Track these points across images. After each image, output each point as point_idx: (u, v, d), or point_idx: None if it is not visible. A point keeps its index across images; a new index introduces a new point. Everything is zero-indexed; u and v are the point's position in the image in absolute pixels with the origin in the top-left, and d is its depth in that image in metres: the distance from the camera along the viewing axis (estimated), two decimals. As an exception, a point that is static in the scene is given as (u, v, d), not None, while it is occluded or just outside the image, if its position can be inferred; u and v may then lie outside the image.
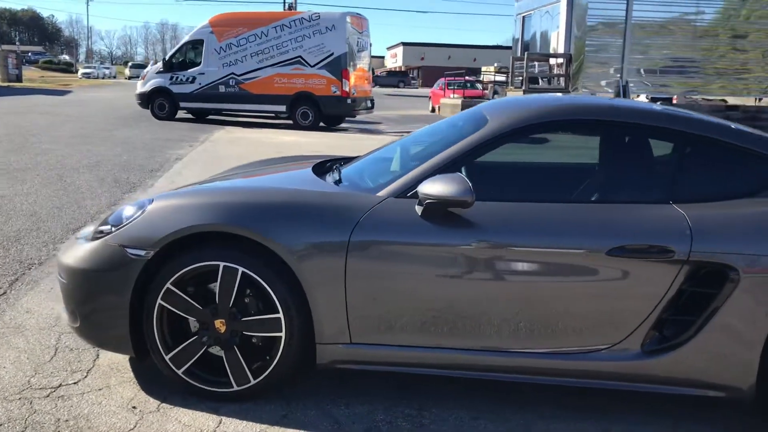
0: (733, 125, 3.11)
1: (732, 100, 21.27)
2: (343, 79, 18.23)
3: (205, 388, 3.08)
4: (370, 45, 20.32)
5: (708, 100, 20.91)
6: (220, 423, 2.90)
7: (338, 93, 18.30)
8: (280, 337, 2.99)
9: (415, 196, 2.97)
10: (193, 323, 3.09)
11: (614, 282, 2.83)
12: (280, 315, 2.97)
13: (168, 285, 3.00)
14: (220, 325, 3.03)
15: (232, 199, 3.09)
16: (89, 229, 3.45)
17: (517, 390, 3.18)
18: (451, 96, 29.60)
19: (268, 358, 3.03)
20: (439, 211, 2.87)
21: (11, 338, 3.71)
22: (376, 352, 3.00)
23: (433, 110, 32.73)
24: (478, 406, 3.07)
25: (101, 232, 3.23)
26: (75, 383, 3.22)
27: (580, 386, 2.95)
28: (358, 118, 21.21)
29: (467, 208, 2.80)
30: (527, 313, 2.88)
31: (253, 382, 3.03)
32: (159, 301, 3.02)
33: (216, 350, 3.09)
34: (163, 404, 3.04)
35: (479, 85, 33.02)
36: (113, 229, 3.16)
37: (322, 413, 2.99)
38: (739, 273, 2.72)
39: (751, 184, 2.95)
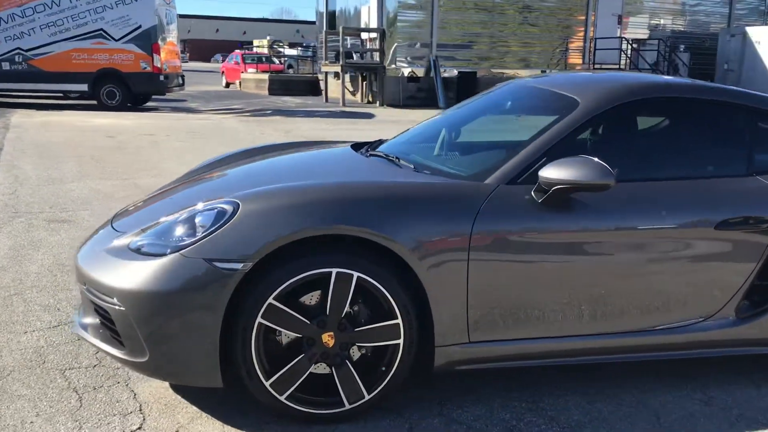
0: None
1: (522, 73, 22.97)
2: (154, 54, 16.92)
3: (312, 411, 2.71)
4: (177, 17, 19.07)
5: (502, 73, 22.43)
6: (351, 448, 2.59)
7: (149, 69, 16.96)
8: (398, 344, 2.72)
9: (527, 181, 2.84)
10: (287, 340, 2.71)
11: (718, 254, 2.95)
12: (399, 321, 2.69)
13: (270, 300, 2.58)
14: (328, 339, 2.67)
15: (340, 196, 2.72)
16: (121, 242, 2.86)
17: (611, 370, 3.21)
18: (251, 71, 28.84)
19: (384, 369, 2.75)
20: (562, 196, 2.77)
21: (6, 385, 2.99)
22: (493, 348, 2.85)
23: (227, 85, 31.68)
24: (587, 390, 3.05)
25: (154, 245, 2.70)
26: (140, 429, 2.68)
27: (683, 358, 3.05)
28: (166, 96, 19.82)
29: (604, 191, 2.73)
30: (644, 293, 2.91)
31: (367, 397, 2.73)
32: (258, 319, 2.59)
33: (316, 368, 2.73)
34: (269, 437, 2.64)
35: (276, 60, 32.45)
36: (178, 241, 2.65)
37: (447, 420, 2.79)
38: (824, 235, 2.96)
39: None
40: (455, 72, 20.60)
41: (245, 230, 2.60)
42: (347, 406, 2.72)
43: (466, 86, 20.45)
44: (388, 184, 2.89)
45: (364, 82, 21.01)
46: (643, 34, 24.64)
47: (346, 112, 18.08)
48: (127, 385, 3.02)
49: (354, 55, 20.79)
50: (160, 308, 2.57)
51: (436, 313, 2.72)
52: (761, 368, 3.27)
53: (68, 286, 4.22)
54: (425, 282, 2.69)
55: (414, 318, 2.72)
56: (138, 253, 2.73)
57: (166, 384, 3.03)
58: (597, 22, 22.64)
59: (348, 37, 20.54)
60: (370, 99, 20.69)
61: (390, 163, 3.29)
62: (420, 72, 20.49)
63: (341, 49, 19.35)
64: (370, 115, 17.28)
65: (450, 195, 2.81)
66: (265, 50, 35.61)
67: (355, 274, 2.63)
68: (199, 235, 2.63)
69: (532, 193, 2.81)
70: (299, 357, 2.66)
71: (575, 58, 22.87)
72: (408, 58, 20.36)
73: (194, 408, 2.85)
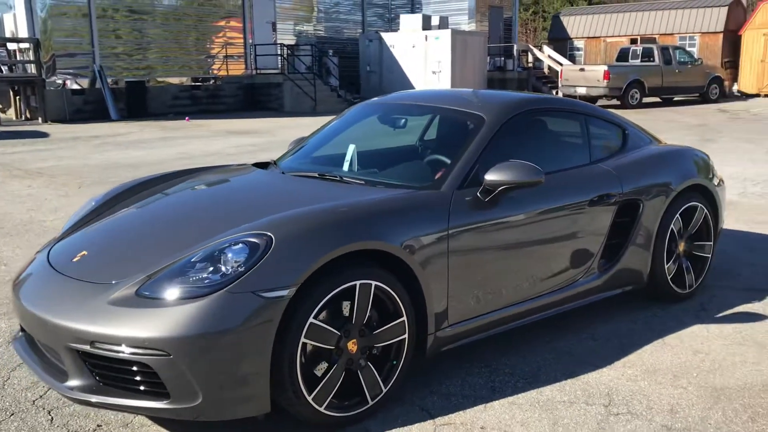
0: (594, 106, 4.42)
1: (184, 81, 22.84)
2: None
3: (344, 414, 2.95)
4: None
5: (165, 81, 22.14)
6: (396, 436, 2.91)
7: None
8: (404, 338, 3.10)
9: (469, 185, 3.41)
10: (311, 354, 2.90)
11: (591, 225, 3.88)
12: (404, 318, 3.08)
13: (311, 319, 2.77)
14: (352, 345, 2.94)
15: (355, 215, 2.99)
16: (125, 292, 2.72)
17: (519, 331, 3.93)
18: None
19: (394, 362, 3.10)
20: (501, 193, 3.40)
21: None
22: (468, 325, 3.39)
23: None
24: (522, 347, 3.75)
25: (177, 289, 2.68)
26: (192, 474, 2.64)
27: (573, 308, 3.93)
28: None
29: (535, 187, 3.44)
30: (555, 260, 3.73)
31: (384, 390, 3.06)
32: (302, 339, 2.76)
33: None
34: (320, 447, 2.82)
35: None
36: (210, 280, 2.67)
37: (442, 395, 3.24)
38: (642, 202, 4.09)
39: (617, 143, 4.35)
40: (124, 82, 19.74)
41: (284, 258, 2.74)
42: (370, 403, 3.02)
43: (135, 96, 19.78)
44: (382, 200, 3.22)
45: (17, 97, 18.91)
46: (290, 39, 26.28)
47: (9, 132, 16.17)
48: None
49: (3, 68, 18.57)
50: (214, 347, 2.59)
51: (429, 305, 3.17)
52: (606, 303, 4.31)
53: None
54: (422, 280, 3.11)
55: (413, 313, 3.12)
56: (158, 299, 2.67)
57: (178, 424, 2.95)
58: (254, 29, 23.57)
59: (-8, 48, 18.28)
60: (29, 115, 18.72)
61: (336, 182, 3.58)
62: (84, 83, 19.19)
63: (-10, 62, 17.17)
64: (43, 134, 15.74)
65: (429, 203, 3.26)
66: None
67: (373, 283, 2.95)
68: (237, 270, 2.69)
69: (478, 194, 3.39)
70: (334, 367, 2.89)
71: (238, 64, 23.52)
72: (70, 69, 18.91)
73: (221, 443, 2.86)
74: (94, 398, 2.72)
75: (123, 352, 2.61)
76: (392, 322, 3.05)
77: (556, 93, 24.85)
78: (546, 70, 27.23)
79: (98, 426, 2.99)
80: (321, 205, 3.11)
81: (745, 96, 25.58)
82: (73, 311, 2.75)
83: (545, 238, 3.67)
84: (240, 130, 16.41)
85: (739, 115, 18.87)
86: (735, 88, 26.09)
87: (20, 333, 3.27)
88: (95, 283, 2.86)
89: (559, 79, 23.01)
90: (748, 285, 4.79)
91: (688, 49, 25.27)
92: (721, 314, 4.26)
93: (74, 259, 3.11)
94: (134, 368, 2.65)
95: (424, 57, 23.69)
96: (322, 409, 2.87)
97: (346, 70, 25.65)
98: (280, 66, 23.73)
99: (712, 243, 4.59)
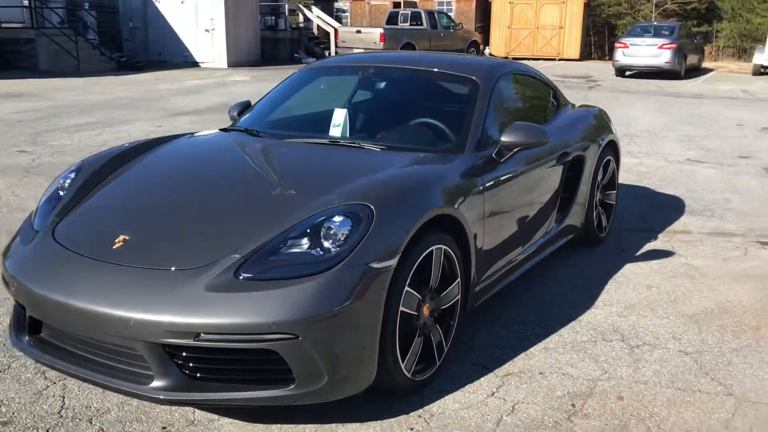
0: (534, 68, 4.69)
1: None
2: None
3: (422, 378, 2.95)
4: None
5: None
6: (493, 395, 2.99)
7: None
8: (458, 299, 3.16)
9: (483, 147, 3.52)
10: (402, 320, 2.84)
11: (555, 178, 4.20)
12: (459, 279, 3.13)
13: (406, 288, 2.73)
14: (426, 310, 2.94)
15: (426, 181, 2.99)
16: (221, 278, 2.44)
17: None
18: None
19: (451, 322, 3.14)
20: (514, 152, 3.55)
21: None
22: (491, 278, 3.53)
23: None
24: (523, 297, 3.97)
25: (286, 267, 2.49)
26: (315, 460, 2.49)
27: (543, 258, 4.25)
28: None
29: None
30: (540, 212, 4.00)
31: (446, 349, 3.10)
32: (401, 308, 2.71)
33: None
34: (412, 415, 2.81)
35: None
36: (318, 255, 2.52)
37: (497, 346, 3.36)
38: (585, 157, 4.51)
39: (554, 104, 4.69)
40: None
41: (387, 228, 2.65)
42: (438, 363, 3.05)
43: None
44: (436, 166, 3.23)
45: None
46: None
47: None
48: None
49: None
50: (339, 323, 2.46)
51: (473, 263, 3.25)
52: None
53: None
54: (470, 240, 3.18)
55: (463, 274, 3.18)
56: (268, 280, 2.45)
57: (239, 423, 2.72)
58: (-6, -24, 20.54)
59: None
60: None
61: (356, 149, 3.45)
62: None
63: None
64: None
65: (464, 166, 3.30)
66: None
67: (443, 248, 2.96)
68: (346, 242, 2.55)
69: (493, 155, 3.51)
70: (417, 332, 2.87)
71: (-25, 16, 20.39)
72: None
73: (312, 425, 2.71)
74: (190, 396, 2.43)
75: (240, 341, 2.36)
76: (451, 284, 3.09)
77: (329, 54, 25.22)
78: (315, 31, 27.42)
79: (163, 428, 2.66)
80: (395, 172, 3.03)
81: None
82: (161, 303, 2.40)
83: (536, 192, 3.93)
84: (2, 93, 14.40)
85: (500, 77, 20.80)
86: (487, 51, 28.58)
87: (27, 338, 2.75)
88: (165, 269, 2.51)
89: (334, 41, 23.37)
90: (636, 226, 5.50)
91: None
92: (639, 253, 4.88)
93: (115, 246, 2.66)
94: (247, 357, 2.41)
95: (195, 13, 22.55)
96: (409, 375, 2.84)
97: (106, 25, 23.53)
98: (26, 19, 21.04)
99: (616, 191, 5.20)
